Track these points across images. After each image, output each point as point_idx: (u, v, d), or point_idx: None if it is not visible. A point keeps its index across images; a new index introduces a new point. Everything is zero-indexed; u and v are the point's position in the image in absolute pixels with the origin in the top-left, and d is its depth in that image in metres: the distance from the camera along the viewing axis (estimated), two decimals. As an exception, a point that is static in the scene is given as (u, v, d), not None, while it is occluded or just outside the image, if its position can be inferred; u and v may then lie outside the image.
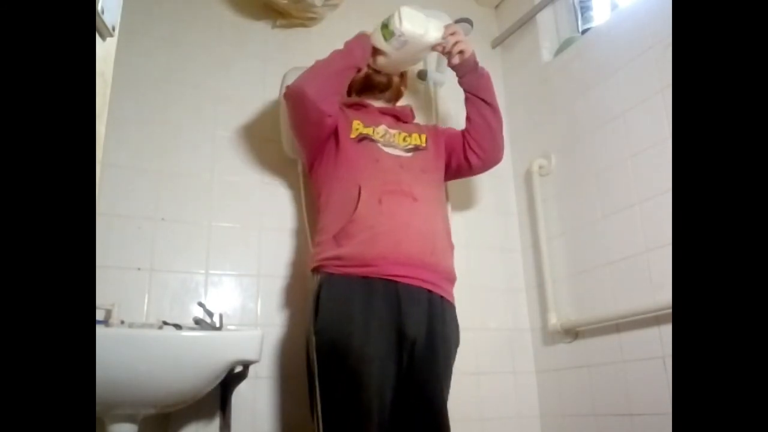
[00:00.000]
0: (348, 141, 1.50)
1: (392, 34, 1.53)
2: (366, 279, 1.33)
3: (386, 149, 1.52)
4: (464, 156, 1.66)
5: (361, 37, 1.56)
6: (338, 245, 1.37)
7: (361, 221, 1.36)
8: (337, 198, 1.45)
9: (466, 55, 1.61)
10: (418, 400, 1.32)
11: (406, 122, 1.67)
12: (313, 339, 1.32)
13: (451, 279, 1.48)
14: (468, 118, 1.67)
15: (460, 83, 1.67)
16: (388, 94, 1.69)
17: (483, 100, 1.64)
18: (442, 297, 1.41)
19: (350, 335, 1.27)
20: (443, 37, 1.58)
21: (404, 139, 1.58)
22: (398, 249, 1.35)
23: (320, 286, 1.36)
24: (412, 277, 1.36)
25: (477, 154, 1.66)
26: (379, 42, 1.55)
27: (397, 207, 1.39)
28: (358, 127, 1.53)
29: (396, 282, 1.34)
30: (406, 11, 1.54)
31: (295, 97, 1.47)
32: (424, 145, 1.60)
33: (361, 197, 1.38)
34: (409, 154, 1.55)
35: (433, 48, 1.61)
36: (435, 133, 1.70)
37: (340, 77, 1.51)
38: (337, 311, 1.32)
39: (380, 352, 1.28)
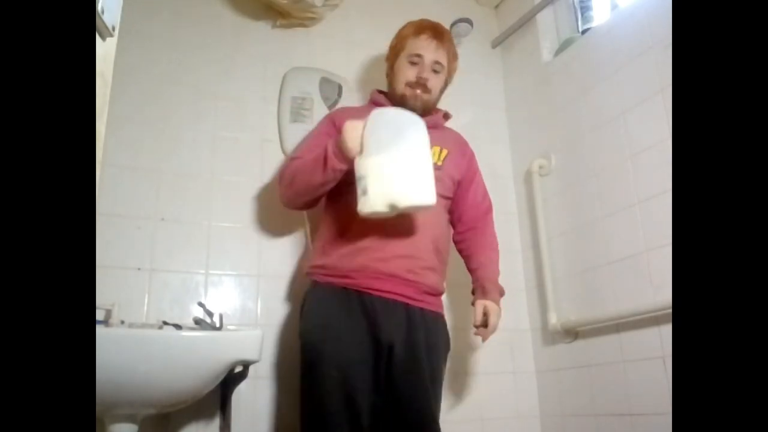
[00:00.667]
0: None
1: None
2: (344, 289, 1.38)
3: None
4: (452, 220, 1.62)
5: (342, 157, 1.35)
6: (325, 254, 1.44)
7: (349, 235, 1.40)
8: (339, 209, 1.47)
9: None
10: (406, 412, 1.31)
11: (435, 128, 1.54)
12: (299, 343, 1.40)
13: (435, 293, 1.47)
14: (469, 256, 1.62)
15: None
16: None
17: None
18: (422, 309, 1.41)
19: (324, 342, 1.33)
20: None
21: None
22: (377, 265, 1.37)
23: (306, 293, 1.45)
24: (389, 291, 1.37)
25: (456, 239, 1.64)
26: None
27: (386, 226, 1.37)
28: None
29: (371, 294, 1.36)
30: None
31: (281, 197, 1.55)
32: (440, 163, 1.52)
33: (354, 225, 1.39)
34: None
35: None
36: (461, 152, 1.62)
37: (318, 191, 1.45)
38: (315, 318, 1.39)
39: (352, 360, 1.31)
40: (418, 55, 1.55)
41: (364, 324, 1.35)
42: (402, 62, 1.57)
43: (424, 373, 1.35)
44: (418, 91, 1.54)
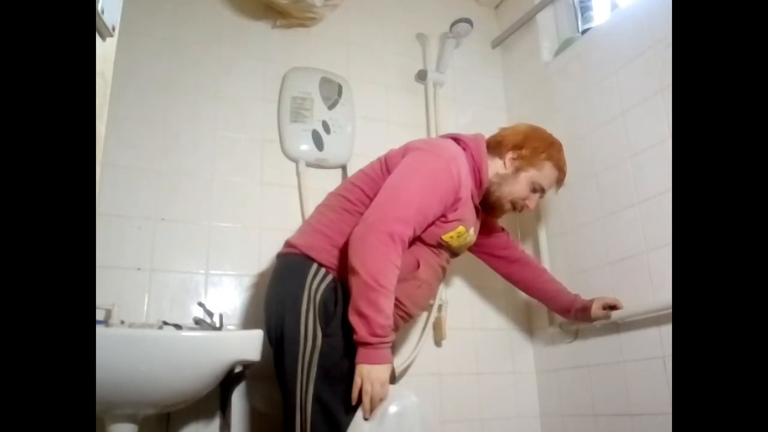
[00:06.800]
0: (435, 237, 1.42)
1: None
2: None
3: (446, 254, 1.50)
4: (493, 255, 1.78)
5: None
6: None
7: (414, 272, 1.41)
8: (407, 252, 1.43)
9: None
10: None
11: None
12: (320, 341, 1.28)
13: None
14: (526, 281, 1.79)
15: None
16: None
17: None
18: None
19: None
20: None
21: (469, 239, 1.52)
22: (424, 302, 1.53)
23: (335, 291, 1.33)
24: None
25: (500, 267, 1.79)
26: None
27: (433, 279, 1.49)
28: (458, 234, 1.44)
29: (407, 319, 1.47)
30: None
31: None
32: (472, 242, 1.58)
33: (420, 268, 1.42)
34: (458, 256, 1.58)
35: None
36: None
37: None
38: None
39: None
40: (543, 189, 1.55)
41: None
42: (528, 176, 1.52)
43: None
44: (513, 209, 1.56)
